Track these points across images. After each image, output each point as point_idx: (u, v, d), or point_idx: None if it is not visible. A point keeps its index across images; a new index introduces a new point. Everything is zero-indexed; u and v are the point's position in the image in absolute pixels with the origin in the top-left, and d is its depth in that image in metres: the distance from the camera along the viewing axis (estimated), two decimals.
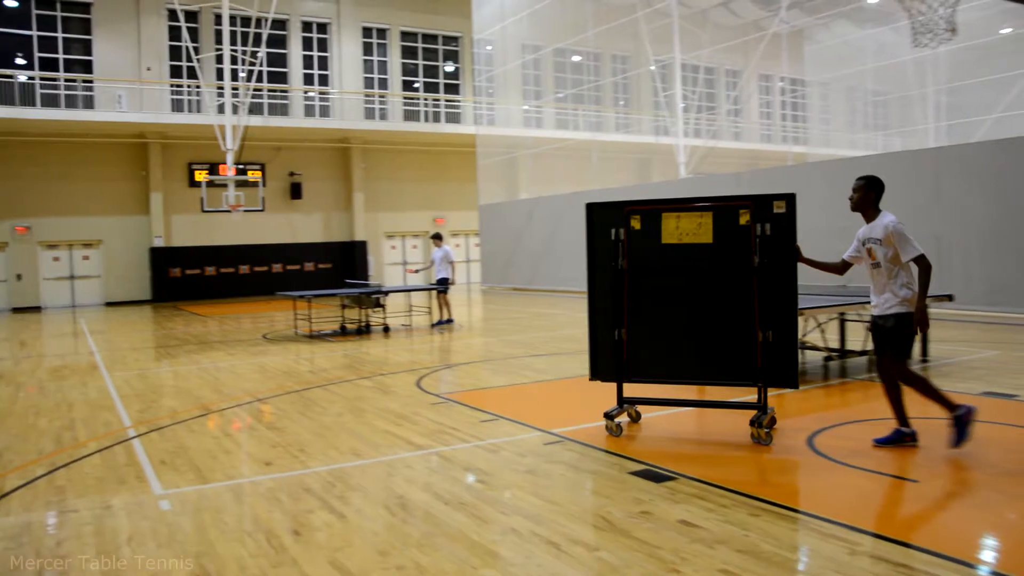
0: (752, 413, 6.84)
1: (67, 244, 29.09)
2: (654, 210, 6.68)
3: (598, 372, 7.02)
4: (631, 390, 7.54)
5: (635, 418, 7.35)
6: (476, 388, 9.74)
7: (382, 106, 33.82)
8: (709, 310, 6.56)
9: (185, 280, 30.26)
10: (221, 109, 27.59)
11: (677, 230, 6.62)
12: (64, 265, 29.12)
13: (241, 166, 28.30)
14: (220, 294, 30.69)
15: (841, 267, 6.41)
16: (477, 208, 31.84)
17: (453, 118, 34.75)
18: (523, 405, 8.37)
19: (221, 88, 27.65)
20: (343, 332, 16.35)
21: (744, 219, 6.41)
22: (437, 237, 18.04)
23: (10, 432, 7.95)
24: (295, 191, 32.08)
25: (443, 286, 17.37)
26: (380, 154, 33.89)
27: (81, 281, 29.36)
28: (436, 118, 34.54)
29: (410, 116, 34.10)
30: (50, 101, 27.46)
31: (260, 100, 30.49)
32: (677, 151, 31.30)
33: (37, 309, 28.21)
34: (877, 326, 6.18)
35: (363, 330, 16.43)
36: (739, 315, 6.46)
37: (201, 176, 29.02)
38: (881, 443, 6.15)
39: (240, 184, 27.57)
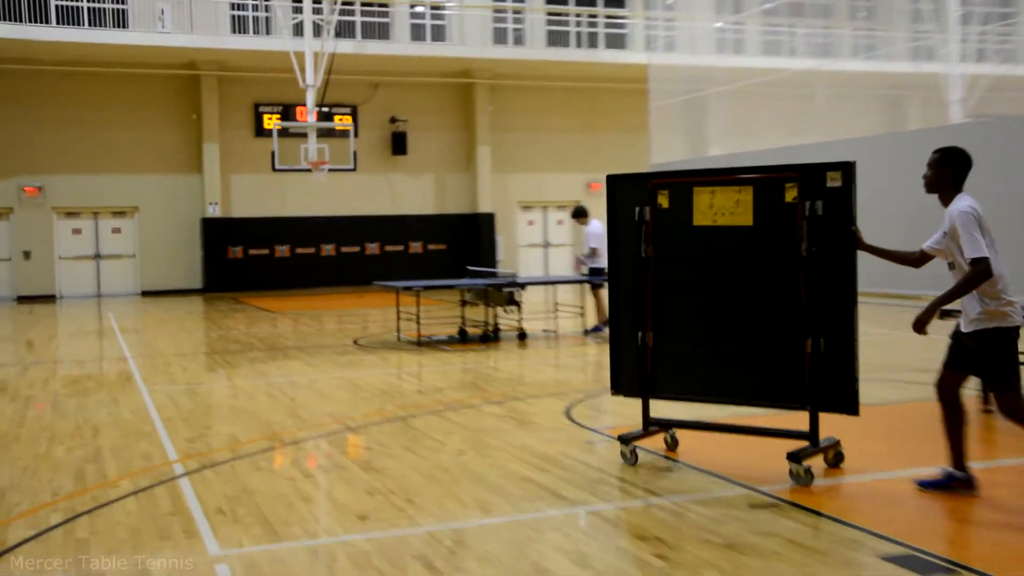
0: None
1: (91, 212, 30.46)
2: (685, 184, 7.46)
3: (620, 385, 8.02)
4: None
5: (671, 445, 8.09)
6: None
7: (517, 26, 34.01)
8: (746, 311, 7.25)
9: (248, 263, 31.24)
10: (298, 31, 28.17)
11: (711, 209, 7.27)
12: (87, 240, 30.50)
13: (325, 109, 28.89)
14: (295, 283, 31.46)
15: (919, 258, 6.70)
16: (648, 169, 31.66)
17: (616, 42, 34.62)
18: (720, 448, 8.17)
19: (298, 3, 28.25)
20: (463, 338, 16.50)
21: (791, 195, 6.94)
22: (581, 214, 17.65)
23: (16, 464, 8.29)
24: (398, 144, 32.65)
25: (599, 277, 17.04)
26: (514, 93, 34.11)
27: (109, 262, 30.72)
28: (592, 42, 34.49)
29: (556, 40, 34.15)
30: (69, 17, 28.37)
31: (351, 19, 31.14)
32: (948, 84, 30.11)
33: (51, 298, 29.59)
34: (960, 343, 6.45)
35: (490, 336, 16.53)
36: (783, 318, 7.05)
37: (271, 122, 29.62)
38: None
39: (324, 134, 28.07)
